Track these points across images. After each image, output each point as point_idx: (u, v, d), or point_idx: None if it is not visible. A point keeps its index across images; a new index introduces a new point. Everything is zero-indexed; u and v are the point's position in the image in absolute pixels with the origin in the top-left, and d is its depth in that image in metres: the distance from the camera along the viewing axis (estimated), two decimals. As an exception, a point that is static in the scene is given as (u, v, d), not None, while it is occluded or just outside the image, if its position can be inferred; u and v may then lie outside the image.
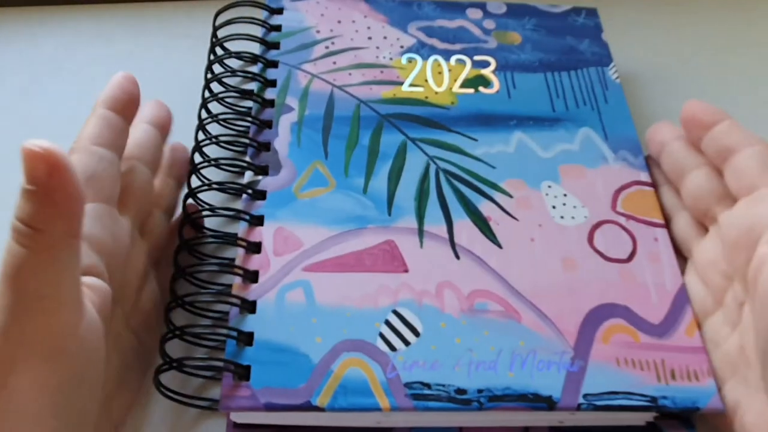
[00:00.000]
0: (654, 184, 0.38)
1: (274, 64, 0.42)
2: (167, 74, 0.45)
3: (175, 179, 0.38)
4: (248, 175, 0.37)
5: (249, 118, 0.39)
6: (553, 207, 0.37)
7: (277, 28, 0.44)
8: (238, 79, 0.43)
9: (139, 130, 0.36)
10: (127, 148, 0.34)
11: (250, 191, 0.36)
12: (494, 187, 0.37)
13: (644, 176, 0.38)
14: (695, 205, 0.35)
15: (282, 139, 0.38)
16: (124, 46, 0.48)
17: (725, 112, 0.35)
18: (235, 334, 0.31)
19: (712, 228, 0.35)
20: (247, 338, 0.32)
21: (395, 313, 0.33)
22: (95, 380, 0.26)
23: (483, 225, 0.36)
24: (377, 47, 0.43)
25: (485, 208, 0.37)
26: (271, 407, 0.30)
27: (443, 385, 0.31)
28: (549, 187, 0.38)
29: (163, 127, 0.37)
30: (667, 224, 0.37)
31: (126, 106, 0.33)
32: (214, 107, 0.41)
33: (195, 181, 0.37)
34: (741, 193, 0.33)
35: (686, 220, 0.37)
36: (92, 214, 0.29)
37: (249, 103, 0.41)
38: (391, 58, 0.43)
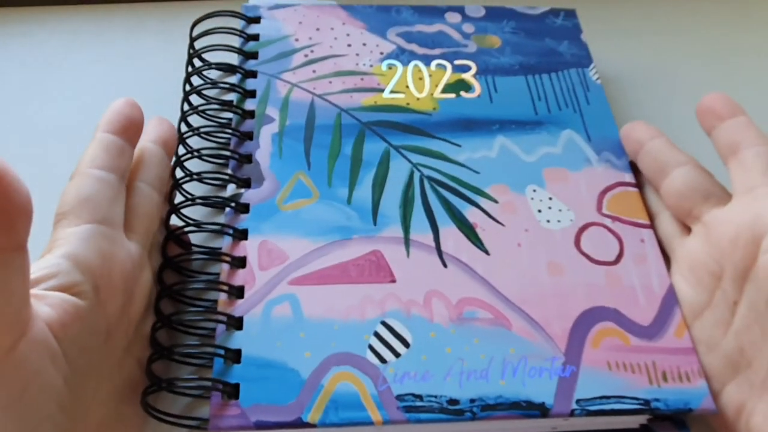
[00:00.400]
0: (638, 184, 0.38)
1: (253, 74, 0.42)
2: (167, 74, 0.45)
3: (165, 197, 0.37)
4: (231, 188, 0.37)
5: (229, 130, 0.39)
6: (539, 211, 0.37)
7: (255, 37, 0.44)
8: (218, 90, 0.42)
9: (143, 150, 0.35)
10: (132, 169, 0.34)
11: (233, 205, 0.36)
12: (479, 192, 0.37)
13: (628, 177, 0.38)
14: (678, 203, 0.35)
15: (263, 151, 0.38)
16: (124, 47, 0.48)
17: (743, 108, 0.35)
18: (222, 352, 0.31)
19: (696, 227, 0.35)
20: (234, 355, 0.31)
21: (384, 324, 0.32)
22: (41, 402, 0.25)
23: (469, 232, 0.36)
24: (357, 54, 0.43)
25: (471, 214, 0.36)
26: (261, 425, 0.29)
27: (435, 396, 0.30)
28: (534, 191, 0.37)
29: (166, 144, 0.36)
30: (651, 224, 0.37)
31: (125, 128, 0.33)
32: (195, 120, 0.40)
33: (177, 197, 0.36)
34: (739, 189, 0.33)
35: (669, 220, 0.36)
36: (84, 235, 0.29)
37: (229, 115, 0.41)
38: (371, 65, 0.43)
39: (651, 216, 0.37)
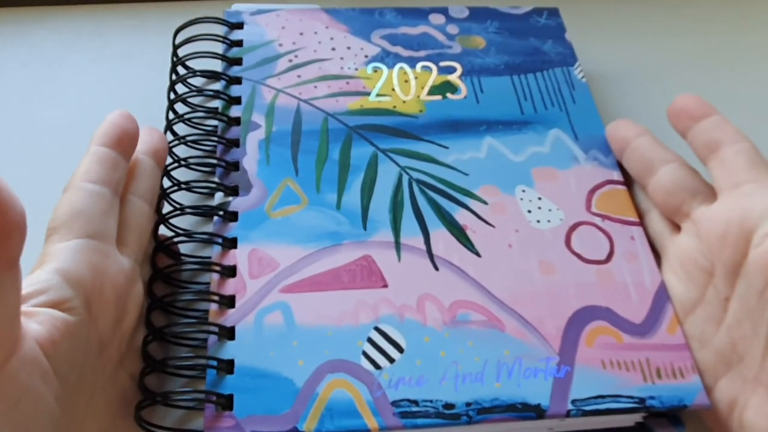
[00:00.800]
0: (626, 182, 0.38)
1: (237, 81, 0.41)
2: (167, 75, 0.44)
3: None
4: (218, 197, 0.36)
5: (215, 138, 0.38)
6: (529, 211, 0.37)
7: (239, 43, 0.43)
8: (202, 97, 0.42)
9: (134, 162, 0.34)
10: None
11: (221, 213, 0.35)
12: (468, 194, 0.37)
13: (616, 175, 0.38)
14: (667, 201, 0.35)
15: (250, 158, 0.38)
16: (124, 47, 0.48)
17: (714, 107, 0.35)
18: (214, 363, 0.30)
19: (686, 224, 0.35)
20: (227, 366, 0.31)
21: (377, 329, 0.32)
22: (32, 420, 0.25)
23: (460, 234, 0.36)
24: (341, 58, 0.43)
25: (461, 216, 0.36)
26: (256, 436, 0.29)
27: (431, 401, 0.30)
28: (523, 191, 0.37)
29: (156, 154, 0.36)
30: (641, 221, 0.37)
31: (120, 140, 0.32)
32: (180, 128, 0.40)
33: (165, 206, 0.36)
34: (724, 187, 0.33)
35: (658, 217, 0.37)
36: (75, 249, 0.29)
37: (215, 122, 0.40)
38: (356, 69, 0.42)
39: (640, 214, 0.37)
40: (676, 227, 0.36)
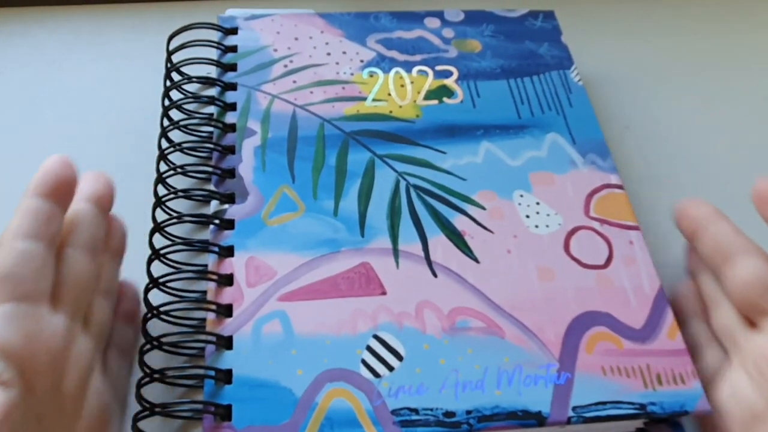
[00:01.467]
0: (622, 186, 0.38)
1: (232, 87, 0.41)
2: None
3: (112, 255, 0.34)
4: (214, 205, 0.36)
5: (211, 145, 0.38)
6: (527, 216, 0.36)
7: (233, 48, 0.43)
8: (197, 104, 0.42)
9: (74, 210, 0.32)
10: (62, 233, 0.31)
11: (217, 221, 0.35)
12: (466, 200, 0.37)
13: (614, 179, 0.38)
14: (746, 295, 0.32)
15: (246, 165, 0.37)
16: (124, 47, 0.48)
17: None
18: (212, 373, 0.30)
19: (764, 322, 0.32)
20: (225, 376, 0.30)
21: (376, 337, 0.32)
22: None
23: (458, 240, 0.35)
24: (337, 63, 0.43)
25: (459, 222, 0.36)
26: (255, 447, 0.29)
27: (431, 409, 0.30)
28: (521, 196, 0.37)
29: (100, 200, 0.33)
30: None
31: (54, 189, 0.30)
32: (175, 135, 0.40)
33: (160, 215, 0.36)
34: None
35: (730, 310, 0.34)
36: (3, 316, 0.27)
37: (210, 129, 0.40)
38: (351, 74, 0.42)
39: (707, 304, 0.35)
40: (751, 323, 0.33)
